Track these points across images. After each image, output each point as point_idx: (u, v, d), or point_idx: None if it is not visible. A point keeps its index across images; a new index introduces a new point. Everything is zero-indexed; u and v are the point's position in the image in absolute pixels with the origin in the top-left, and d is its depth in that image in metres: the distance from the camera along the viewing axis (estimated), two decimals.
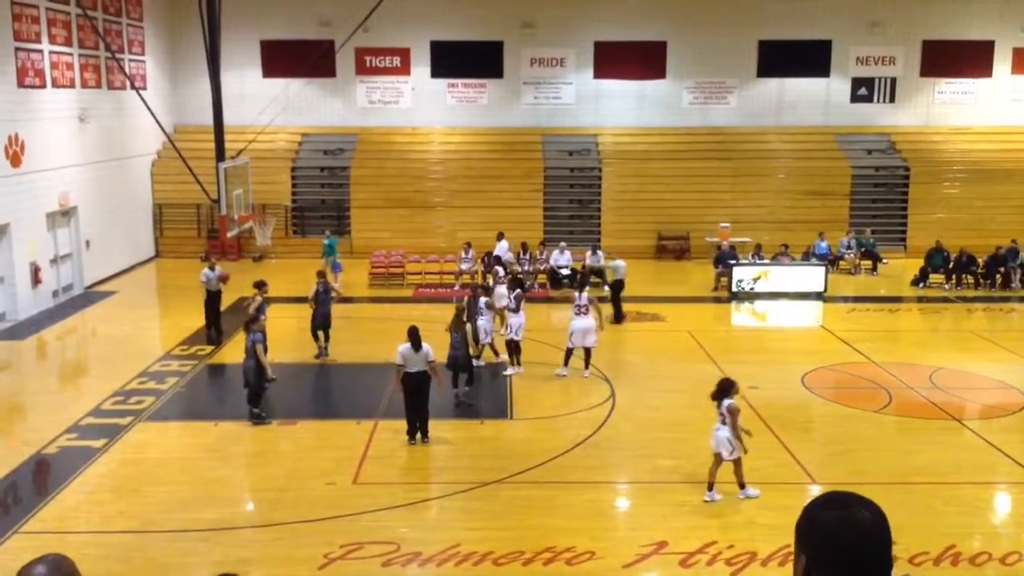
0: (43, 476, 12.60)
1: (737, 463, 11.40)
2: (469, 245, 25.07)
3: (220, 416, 14.71)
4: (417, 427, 13.41)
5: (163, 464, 12.86)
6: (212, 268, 19.51)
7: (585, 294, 16.75)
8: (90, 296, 23.80)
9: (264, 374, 14.15)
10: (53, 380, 17.93)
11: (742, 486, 11.47)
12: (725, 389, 11.49)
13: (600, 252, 25.26)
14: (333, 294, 18.21)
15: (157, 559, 10.08)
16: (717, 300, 23.88)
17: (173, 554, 10.22)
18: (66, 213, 23.83)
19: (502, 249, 24.65)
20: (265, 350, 14.39)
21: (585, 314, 16.53)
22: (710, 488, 11.44)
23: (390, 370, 17.13)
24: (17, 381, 17.59)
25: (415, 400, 13.38)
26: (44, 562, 3.12)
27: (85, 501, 11.62)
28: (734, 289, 23.70)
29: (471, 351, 15.97)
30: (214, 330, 19.34)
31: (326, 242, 25.29)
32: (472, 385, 15.53)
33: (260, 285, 17.39)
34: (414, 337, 13.33)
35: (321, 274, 18.20)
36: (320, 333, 17.84)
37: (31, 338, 19.85)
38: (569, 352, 16.73)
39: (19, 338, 19.77)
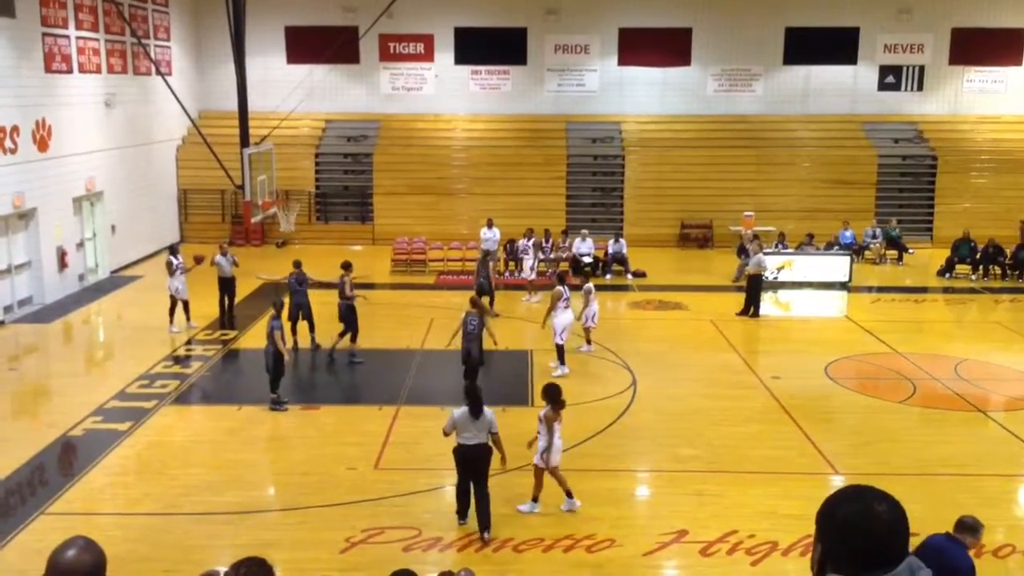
0: (69, 458, 12.75)
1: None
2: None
3: (243, 400, 14.82)
4: (468, 505, 10.40)
5: (187, 447, 13.00)
6: (225, 254, 19.58)
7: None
8: (115, 280, 24.01)
9: (281, 359, 14.28)
10: (79, 363, 18.12)
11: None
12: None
13: (622, 240, 25.16)
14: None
15: (182, 541, 10.19)
16: (740, 289, 23.75)
17: (197, 536, 10.32)
18: (91, 198, 24.02)
19: (494, 234, 24.30)
20: (283, 336, 14.50)
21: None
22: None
23: (412, 356, 17.31)
24: (43, 364, 17.82)
25: (470, 478, 10.36)
26: (75, 545, 3.17)
27: (110, 483, 11.76)
28: None
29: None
30: (228, 315, 19.50)
31: None
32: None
33: (347, 266, 17.26)
34: (474, 399, 10.26)
35: (297, 263, 17.72)
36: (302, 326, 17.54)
37: (57, 322, 20.06)
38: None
39: (46, 322, 19.98)
